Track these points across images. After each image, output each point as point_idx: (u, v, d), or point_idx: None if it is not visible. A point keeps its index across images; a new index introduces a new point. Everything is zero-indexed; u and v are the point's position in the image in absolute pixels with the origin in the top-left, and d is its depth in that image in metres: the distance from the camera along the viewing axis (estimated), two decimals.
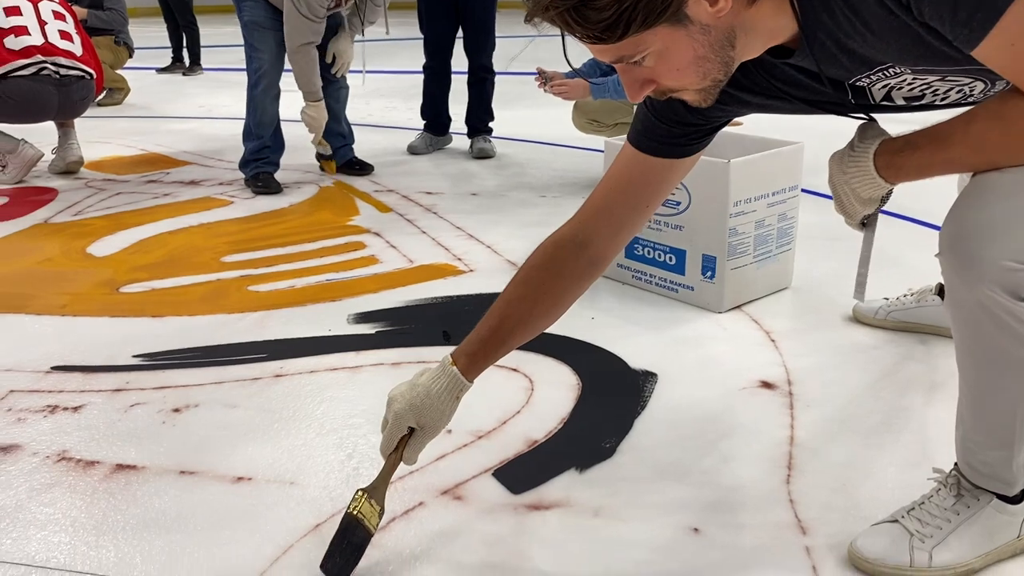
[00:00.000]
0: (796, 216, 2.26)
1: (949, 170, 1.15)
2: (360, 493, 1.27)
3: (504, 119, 4.32)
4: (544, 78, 3.26)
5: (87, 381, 1.87)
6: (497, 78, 4.15)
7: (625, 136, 1.33)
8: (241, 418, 1.71)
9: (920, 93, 1.20)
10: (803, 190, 2.29)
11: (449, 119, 4.25)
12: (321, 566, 1.25)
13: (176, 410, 1.74)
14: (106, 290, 2.41)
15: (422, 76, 4.15)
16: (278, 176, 3.52)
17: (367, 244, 2.77)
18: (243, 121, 3.48)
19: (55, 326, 2.16)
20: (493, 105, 4.16)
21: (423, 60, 4.12)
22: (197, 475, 1.52)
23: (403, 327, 2.13)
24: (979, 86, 1.15)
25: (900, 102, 1.24)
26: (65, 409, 1.75)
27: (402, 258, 2.63)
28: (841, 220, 1.33)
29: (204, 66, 7.33)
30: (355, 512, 1.25)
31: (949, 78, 1.15)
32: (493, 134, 4.18)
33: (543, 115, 4.66)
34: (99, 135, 4.50)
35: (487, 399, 1.72)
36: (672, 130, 1.26)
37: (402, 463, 1.28)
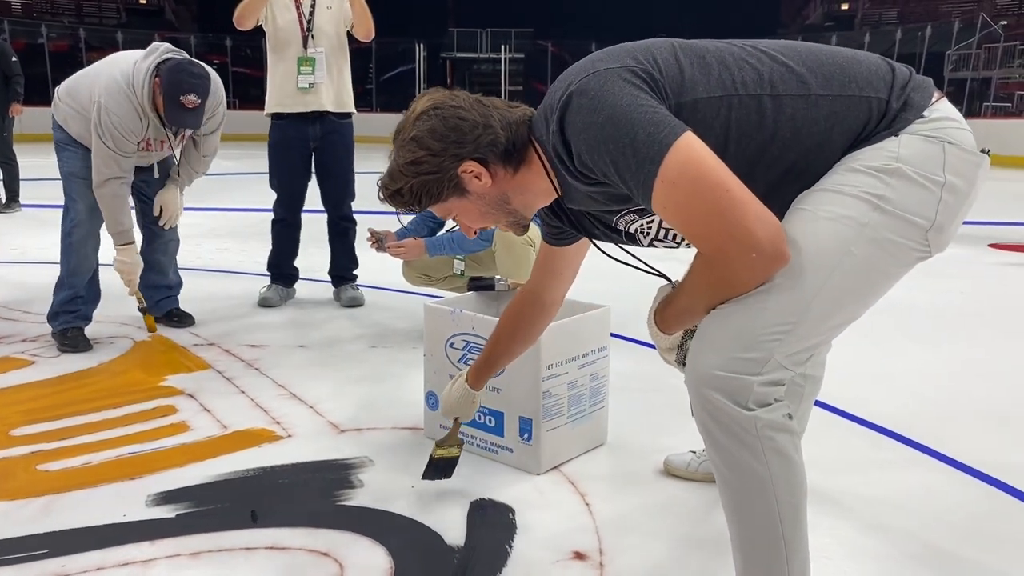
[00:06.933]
0: (607, 375, 2.33)
1: (693, 316, 1.35)
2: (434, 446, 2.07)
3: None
4: (377, 239, 3.23)
5: None
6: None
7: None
8: None
9: (666, 235, 1.53)
10: (619, 336, 2.37)
11: (296, 270, 4.16)
12: (423, 476, 2.05)
13: None
14: None
15: (271, 228, 4.05)
16: (91, 330, 3.32)
17: (178, 408, 2.63)
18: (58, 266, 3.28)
19: None
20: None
21: (272, 214, 4.03)
22: None
23: (208, 507, 1.99)
24: None
25: (672, 243, 1.57)
26: None
27: (215, 424, 2.51)
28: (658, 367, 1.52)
29: (23, 202, 6.98)
30: (434, 454, 2.06)
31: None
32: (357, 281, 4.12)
33: (377, 257, 4.67)
34: None
35: None
36: (551, 230, 1.73)
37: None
